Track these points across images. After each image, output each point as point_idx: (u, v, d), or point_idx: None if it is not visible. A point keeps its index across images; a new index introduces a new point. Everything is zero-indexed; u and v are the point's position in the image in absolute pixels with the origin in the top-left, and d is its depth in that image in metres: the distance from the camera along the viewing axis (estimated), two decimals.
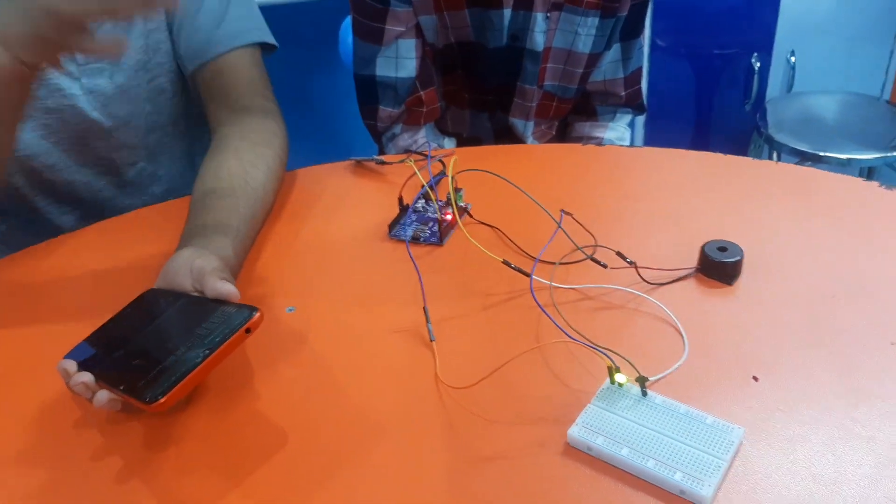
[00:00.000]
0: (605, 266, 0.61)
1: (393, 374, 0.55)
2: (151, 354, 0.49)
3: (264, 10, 0.89)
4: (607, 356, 0.49)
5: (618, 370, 0.49)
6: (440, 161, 0.77)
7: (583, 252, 0.63)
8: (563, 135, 1.13)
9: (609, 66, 1.03)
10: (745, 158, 0.79)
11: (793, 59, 1.92)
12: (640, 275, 0.61)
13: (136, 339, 0.52)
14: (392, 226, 0.72)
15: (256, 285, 0.66)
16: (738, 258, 0.61)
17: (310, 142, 1.29)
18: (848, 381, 0.50)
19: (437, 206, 0.72)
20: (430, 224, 0.71)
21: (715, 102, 2.03)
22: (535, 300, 0.55)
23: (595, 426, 0.47)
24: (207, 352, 0.46)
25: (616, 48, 1.01)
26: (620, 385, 0.50)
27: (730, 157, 0.80)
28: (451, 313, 0.60)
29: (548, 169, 0.82)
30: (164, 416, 0.52)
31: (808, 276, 0.61)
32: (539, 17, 0.93)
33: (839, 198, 0.71)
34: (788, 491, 0.43)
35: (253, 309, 0.49)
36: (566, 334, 0.52)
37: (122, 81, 0.82)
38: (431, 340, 0.57)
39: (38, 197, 0.87)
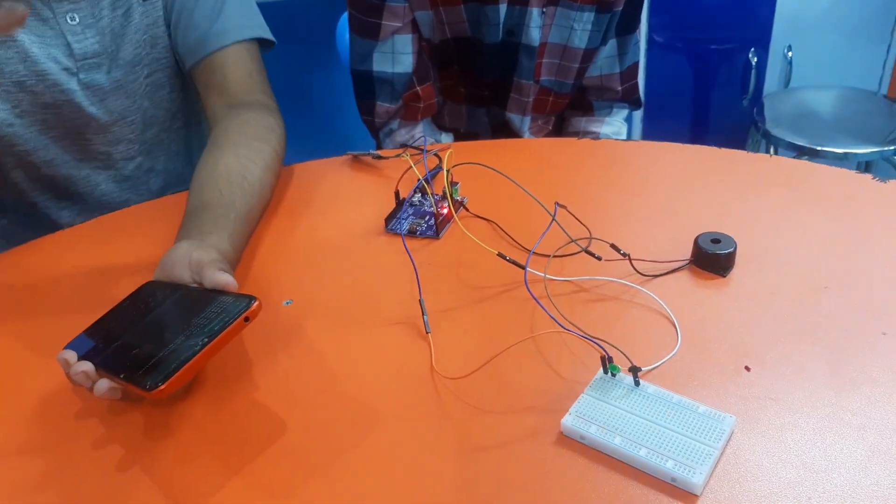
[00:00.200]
0: (599, 258, 0.62)
1: (389, 364, 0.55)
2: (151, 343, 0.50)
3: (261, 6, 0.90)
4: (601, 346, 0.50)
5: (611, 360, 0.50)
6: (436, 155, 0.78)
7: (577, 244, 0.63)
8: (559, 130, 1.13)
9: (605, 62, 1.03)
10: (740, 152, 0.80)
11: (790, 54, 1.92)
12: (634, 267, 0.62)
13: (136, 330, 0.53)
14: (388, 220, 0.72)
15: (254, 279, 0.66)
16: (731, 250, 0.61)
17: (308, 137, 1.29)
18: (839, 370, 0.51)
19: (433, 200, 0.72)
20: (427, 218, 0.72)
21: (712, 97, 2.03)
22: (530, 292, 0.55)
23: (588, 415, 0.47)
24: (206, 340, 0.47)
25: (612, 43, 1.02)
26: (613, 375, 0.50)
27: (724, 150, 0.80)
28: (447, 305, 0.60)
29: (543, 163, 0.83)
30: (163, 406, 0.52)
31: (801, 268, 0.61)
32: (535, 13, 0.93)
33: (832, 190, 0.72)
34: (779, 478, 0.44)
35: (251, 298, 0.49)
36: (560, 325, 0.52)
37: (120, 77, 0.83)
38: (427, 332, 0.57)
39: (37, 192, 0.87)
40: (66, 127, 0.82)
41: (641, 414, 0.47)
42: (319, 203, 0.78)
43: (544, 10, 0.94)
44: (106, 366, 0.50)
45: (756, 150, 1.77)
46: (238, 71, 0.84)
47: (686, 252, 0.63)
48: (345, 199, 0.79)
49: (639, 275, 0.62)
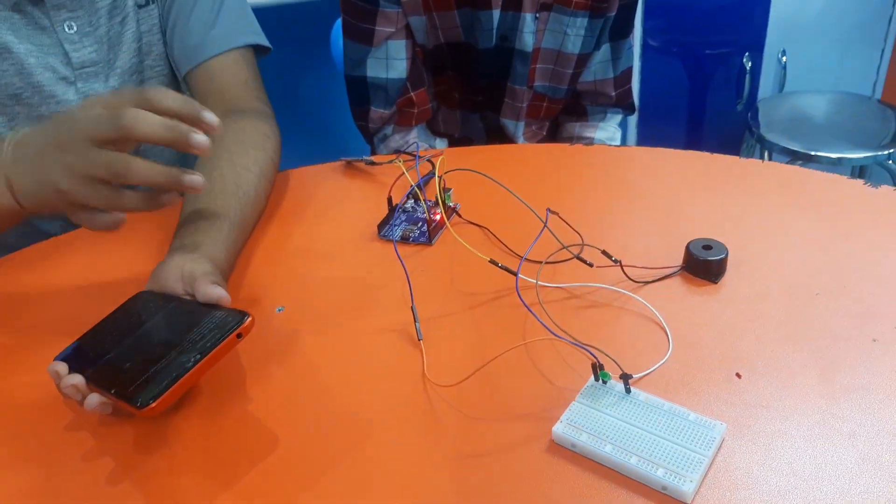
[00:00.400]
0: (590, 265, 0.62)
1: (381, 372, 0.55)
2: (143, 358, 0.49)
3: (256, 11, 0.90)
4: (592, 354, 0.50)
5: (602, 367, 0.50)
6: (429, 161, 0.78)
7: (569, 251, 0.63)
8: (553, 135, 1.13)
9: (599, 67, 1.03)
10: (732, 157, 0.80)
11: (784, 58, 1.93)
12: (625, 273, 0.62)
13: (128, 343, 0.53)
14: (381, 226, 0.72)
15: (246, 285, 0.66)
16: (722, 256, 0.61)
17: (302, 143, 1.29)
18: (830, 377, 0.51)
19: (425, 207, 0.72)
20: (419, 224, 0.72)
21: (707, 102, 2.03)
22: (521, 299, 0.55)
23: (579, 423, 0.47)
24: (199, 356, 0.47)
25: (605, 48, 1.02)
26: (605, 382, 0.50)
27: (716, 155, 0.80)
28: (439, 312, 0.60)
29: (536, 169, 0.83)
30: (155, 419, 0.52)
31: (792, 274, 0.61)
32: (528, 18, 0.93)
33: (824, 196, 0.72)
34: (770, 486, 0.44)
35: (244, 314, 0.49)
36: (551, 332, 0.52)
37: (117, 85, 0.83)
38: (419, 339, 0.57)
39: None
40: None
41: (632, 421, 0.47)
42: (312, 209, 0.78)
43: (538, 15, 0.94)
44: (97, 379, 0.49)
45: (751, 154, 1.78)
46: (234, 78, 0.84)
47: (678, 258, 0.63)
48: (338, 205, 0.79)
49: (630, 281, 0.62)
